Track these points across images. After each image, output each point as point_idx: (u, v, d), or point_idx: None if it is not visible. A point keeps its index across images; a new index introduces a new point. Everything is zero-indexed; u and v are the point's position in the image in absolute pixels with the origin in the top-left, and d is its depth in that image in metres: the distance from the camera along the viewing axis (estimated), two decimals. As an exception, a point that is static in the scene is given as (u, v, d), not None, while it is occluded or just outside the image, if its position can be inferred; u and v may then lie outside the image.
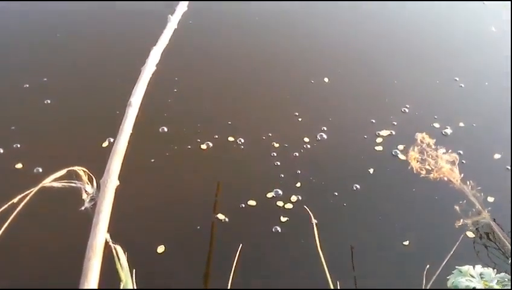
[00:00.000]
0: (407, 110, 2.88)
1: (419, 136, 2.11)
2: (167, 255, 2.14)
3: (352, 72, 3.19)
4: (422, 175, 2.06)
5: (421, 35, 3.58)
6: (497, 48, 3.46)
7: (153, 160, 2.52)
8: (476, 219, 1.35)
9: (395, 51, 3.38)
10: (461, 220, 1.52)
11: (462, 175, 2.22)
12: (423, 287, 1.61)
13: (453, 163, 1.80)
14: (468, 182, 1.68)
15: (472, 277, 1.08)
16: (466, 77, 3.15)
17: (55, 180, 1.13)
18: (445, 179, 1.96)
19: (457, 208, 2.14)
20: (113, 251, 0.97)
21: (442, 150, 1.91)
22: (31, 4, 3.55)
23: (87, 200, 1.07)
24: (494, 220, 2.32)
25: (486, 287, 1.04)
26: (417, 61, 3.31)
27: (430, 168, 1.89)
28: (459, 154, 2.59)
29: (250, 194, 2.39)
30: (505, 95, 3.04)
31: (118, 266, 0.99)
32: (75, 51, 3.19)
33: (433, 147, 1.94)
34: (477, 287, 1.03)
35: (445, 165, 1.72)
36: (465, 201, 2.20)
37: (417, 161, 1.91)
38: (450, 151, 1.90)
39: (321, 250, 1.53)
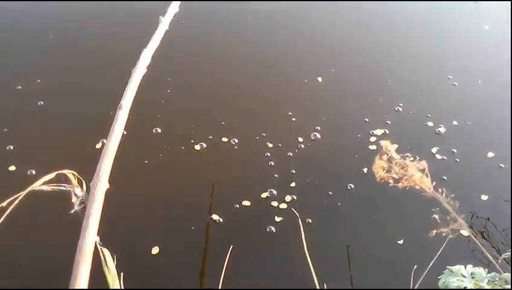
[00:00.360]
0: (400, 109, 2.88)
1: (383, 144, 2.04)
2: (161, 257, 2.14)
3: (346, 71, 3.19)
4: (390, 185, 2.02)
5: (414, 34, 3.58)
6: (490, 45, 3.47)
7: (146, 161, 2.52)
8: (453, 228, 1.33)
9: (388, 50, 3.39)
10: (437, 231, 1.51)
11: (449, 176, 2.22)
12: (412, 287, 1.61)
13: (423, 171, 1.76)
14: (440, 190, 1.66)
15: (463, 276, 1.07)
16: (459, 75, 3.16)
17: (45, 183, 1.12)
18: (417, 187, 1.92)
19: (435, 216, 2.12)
20: (101, 254, 0.97)
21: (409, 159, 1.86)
22: (23, 5, 3.54)
23: (77, 204, 1.06)
24: (488, 219, 2.34)
25: (477, 287, 1.04)
26: (410, 60, 3.31)
27: (398, 177, 1.84)
28: (452, 153, 2.62)
29: (244, 194, 2.39)
30: (499, 93, 3.05)
31: (105, 269, 0.99)
32: (68, 52, 3.18)
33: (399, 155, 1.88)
34: (468, 287, 1.03)
35: (416, 173, 1.69)
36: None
37: (384, 170, 1.86)
38: (418, 159, 1.85)
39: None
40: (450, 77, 3.14)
